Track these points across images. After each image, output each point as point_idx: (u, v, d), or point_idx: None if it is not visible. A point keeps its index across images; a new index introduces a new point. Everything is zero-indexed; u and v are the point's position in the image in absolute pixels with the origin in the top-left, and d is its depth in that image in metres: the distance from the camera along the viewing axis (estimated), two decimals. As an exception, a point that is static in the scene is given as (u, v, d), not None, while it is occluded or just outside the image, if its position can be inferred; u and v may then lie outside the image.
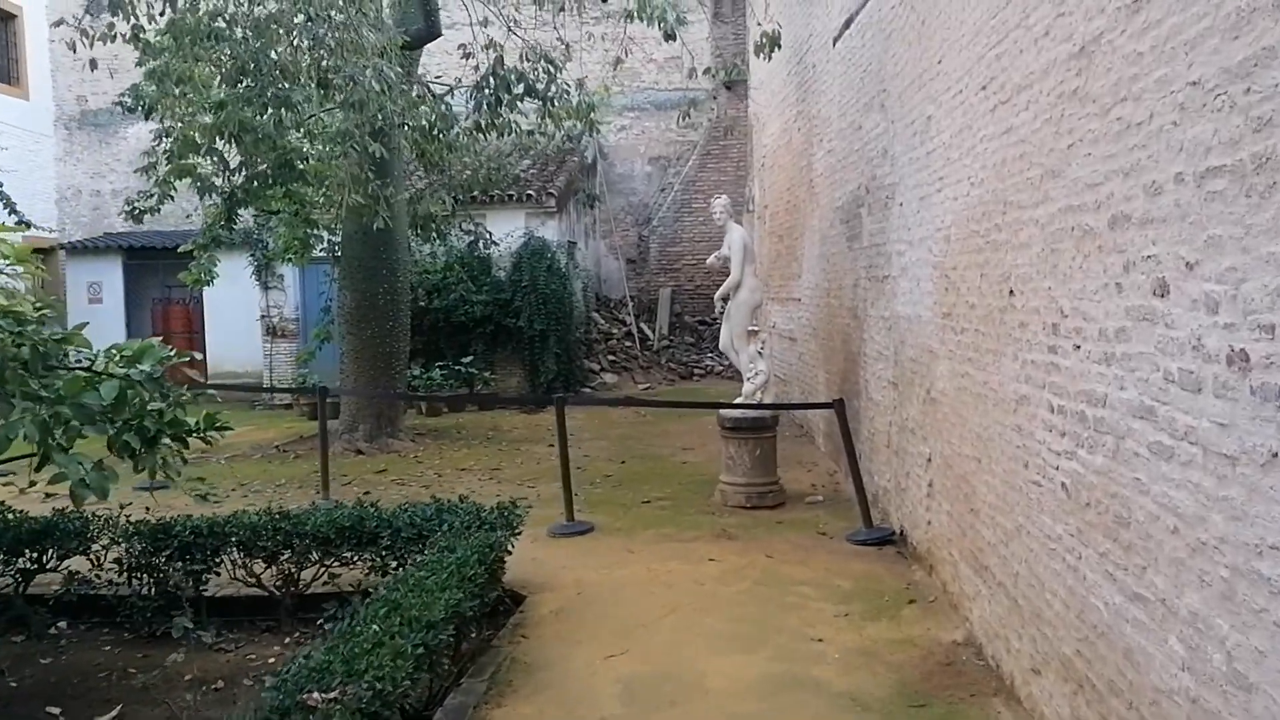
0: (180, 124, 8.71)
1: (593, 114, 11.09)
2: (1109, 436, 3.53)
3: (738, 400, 8.55)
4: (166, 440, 5.08)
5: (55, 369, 4.63)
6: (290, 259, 12.80)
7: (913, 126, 6.70)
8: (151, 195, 10.15)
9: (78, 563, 6.32)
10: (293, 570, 6.19)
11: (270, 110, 7.78)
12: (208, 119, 8.15)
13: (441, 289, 14.56)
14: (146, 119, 9.18)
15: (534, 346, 14.84)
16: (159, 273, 17.92)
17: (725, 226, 8.62)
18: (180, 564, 6.20)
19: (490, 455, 10.86)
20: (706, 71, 10.74)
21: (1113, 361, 3.50)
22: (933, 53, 6.20)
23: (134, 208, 10.37)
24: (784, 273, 12.70)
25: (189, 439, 5.46)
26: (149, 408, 4.64)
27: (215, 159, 9.08)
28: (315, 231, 11.82)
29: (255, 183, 9.51)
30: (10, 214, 16.36)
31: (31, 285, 4.93)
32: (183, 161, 9.84)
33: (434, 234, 12.28)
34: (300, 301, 16.31)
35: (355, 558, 6.14)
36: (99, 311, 17.94)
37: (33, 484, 4.57)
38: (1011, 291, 4.60)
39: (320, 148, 8.46)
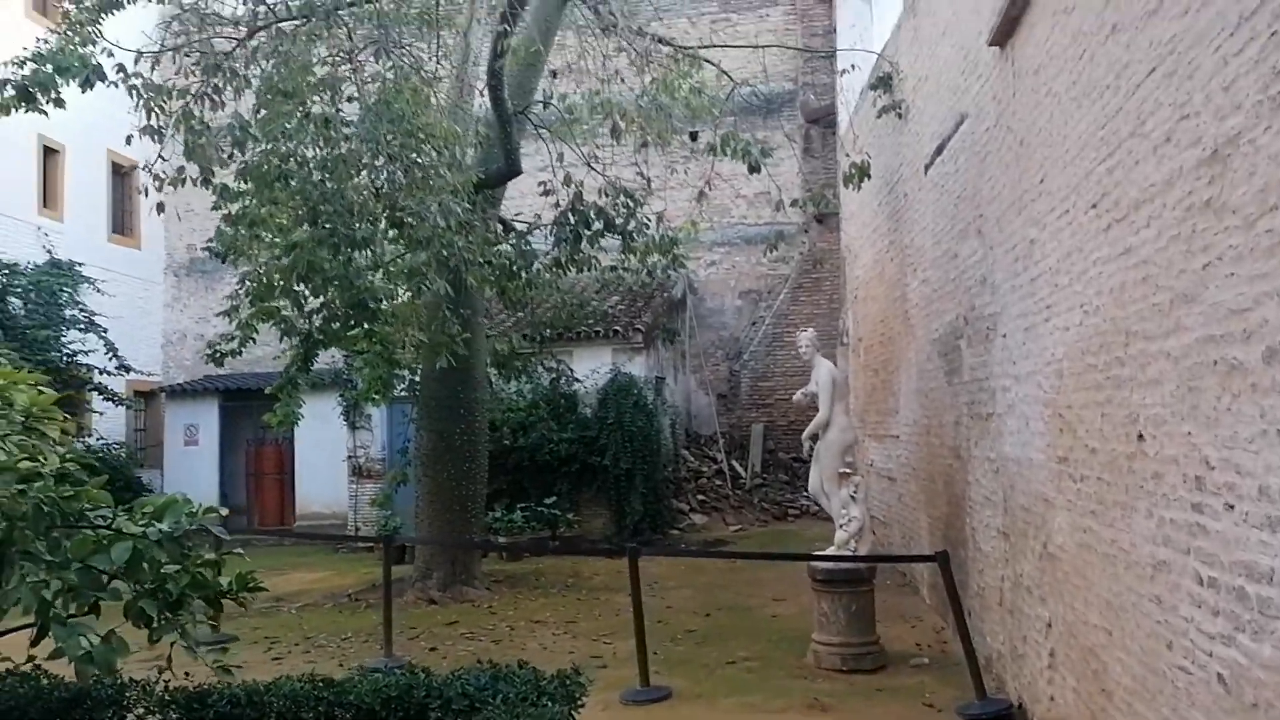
0: (261, 267, 8.69)
1: (676, 249, 10.81)
2: (1282, 623, 2.80)
3: (830, 550, 7.82)
4: (194, 603, 4.67)
5: (71, 528, 4.28)
6: (373, 399, 12.67)
7: (1013, 252, 6.14)
8: (233, 338, 10.14)
9: (114, 732, 5.87)
10: (337, 746, 5.62)
11: (340, 250, 7.68)
12: (283, 261, 8.11)
13: (526, 427, 14.24)
14: (222, 262, 9.21)
15: (620, 486, 14.31)
16: (253, 414, 18.06)
17: (812, 361, 8.09)
18: (217, 736, 5.69)
19: (568, 606, 10.24)
20: (794, 204, 10.41)
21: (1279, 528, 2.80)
22: (1033, 172, 5.69)
23: (215, 351, 10.37)
24: (880, 408, 12.03)
25: (222, 601, 5.06)
26: (164, 570, 4.21)
27: (291, 301, 9.04)
28: (397, 371, 11.67)
29: (334, 324, 9.39)
30: (111, 358, 16.89)
31: (60, 435, 4.63)
32: (263, 304, 9.82)
33: (515, 372, 12.02)
34: (387, 441, 16.19)
35: (403, 731, 5.55)
36: (194, 453, 18.19)
37: (30, 659, 4.15)
38: (1141, 436, 3.93)
39: (391, 286, 8.31)
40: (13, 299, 16.00)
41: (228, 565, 4.65)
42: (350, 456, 16.05)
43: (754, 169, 9.84)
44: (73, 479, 4.67)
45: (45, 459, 4.70)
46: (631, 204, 10.14)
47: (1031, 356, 5.74)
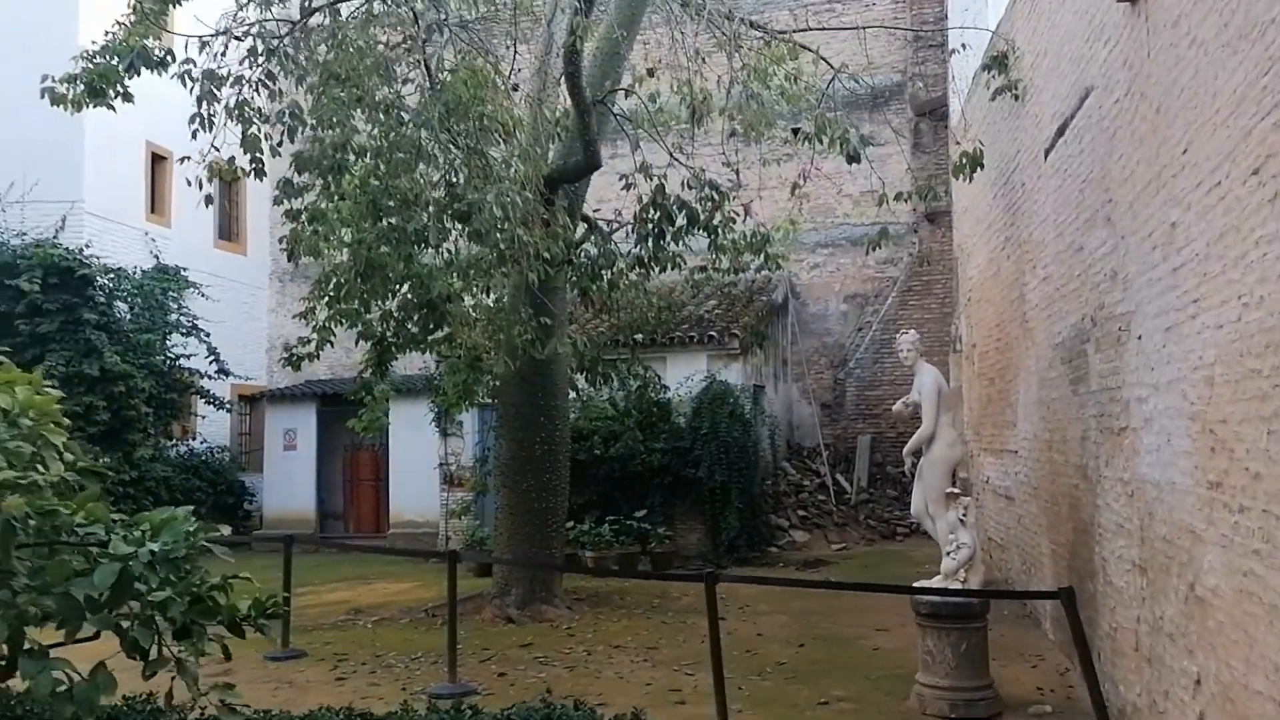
0: (329, 266, 8.34)
1: (769, 246, 10.07)
2: None
3: (935, 581, 6.98)
4: (201, 631, 4.19)
5: (57, 545, 3.84)
6: (456, 405, 12.29)
7: (1150, 239, 5.26)
8: (309, 341, 9.85)
9: (147, 764, 5.47)
10: (373, 788, 5.11)
11: (403, 247, 7.24)
12: (348, 260, 7.74)
13: (617, 436, 13.65)
14: (289, 260, 8.90)
15: (715, 500, 13.60)
16: (350, 419, 18.04)
17: (915, 367, 7.27)
18: (249, 773, 5.22)
19: (651, 629, 9.58)
20: (899, 197, 9.54)
21: None
22: (1174, 143, 4.83)
23: (292, 354, 10.10)
24: (996, 420, 11.04)
25: (241, 628, 4.58)
26: (151, 596, 3.73)
27: (359, 302, 8.67)
28: (481, 376, 11.25)
29: (408, 325, 8.97)
30: (212, 362, 17.02)
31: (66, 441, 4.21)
32: (340, 306, 9.50)
33: (600, 379, 11.45)
34: (479, 449, 15.84)
35: (444, 776, 5.00)
36: (293, 458, 18.22)
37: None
38: (1328, 461, 3.07)
39: (461, 285, 7.82)
40: (119, 303, 16.25)
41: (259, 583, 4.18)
42: (441, 464, 15.75)
43: (853, 159, 9.06)
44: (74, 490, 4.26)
45: (46, 468, 4.28)
46: (717, 197, 9.45)
47: (1174, 361, 4.86)
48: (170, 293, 17.28)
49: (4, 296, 15.16)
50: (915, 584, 7.09)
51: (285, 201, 8.02)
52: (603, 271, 9.77)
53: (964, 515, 6.90)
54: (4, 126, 15.88)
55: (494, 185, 6.63)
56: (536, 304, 9.15)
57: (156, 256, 17.48)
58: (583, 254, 9.79)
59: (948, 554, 6.91)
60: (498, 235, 6.82)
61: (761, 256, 10.30)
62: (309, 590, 12.77)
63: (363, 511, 18.23)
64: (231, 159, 7.67)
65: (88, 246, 15.92)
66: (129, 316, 16.38)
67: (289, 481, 18.07)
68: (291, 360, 10.13)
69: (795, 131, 10.00)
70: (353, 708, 5.39)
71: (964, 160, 9.43)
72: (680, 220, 9.33)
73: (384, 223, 7.15)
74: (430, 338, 10.25)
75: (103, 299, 15.83)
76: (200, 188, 7.45)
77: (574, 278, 9.87)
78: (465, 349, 10.54)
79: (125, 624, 3.97)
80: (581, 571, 10.30)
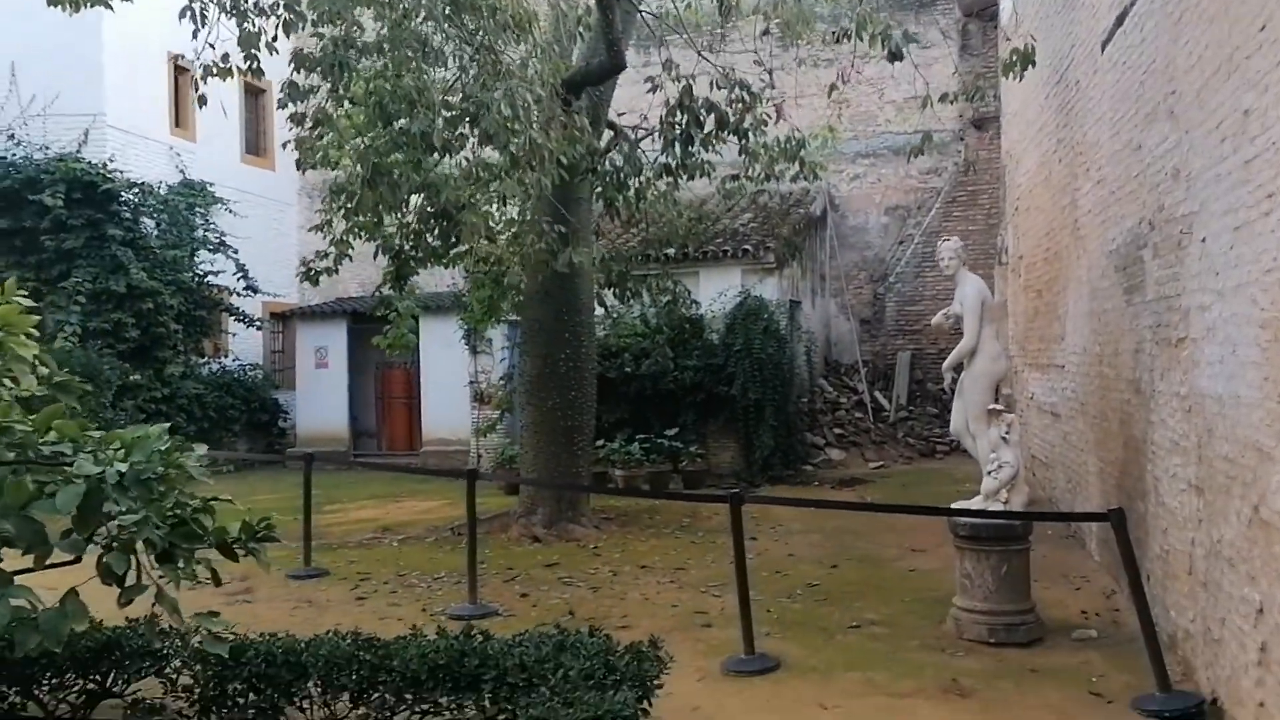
0: (341, 175, 7.95)
1: (804, 152, 9.53)
2: None
3: (975, 502, 6.62)
4: (186, 555, 3.95)
5: (20, 464, 3.58)
6: (482, 321, 12.00)
7: (1219, 130, 4.76)
8: (326, 255, 9.54)
9: (150, 686, 5.33)
10: (383, 716, 4.91)
11: (407, 150, 6.83)
12: (357, 168, 7.35)
13: (648, 353, 13.31)
14: (298, 169, 8.53)
15: (748, 418, 13.27)
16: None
17: (957, 276, 6.81)
18: (253, 696, 5.06)
19: (680, 549, 9.35)
20: (944, 99, 8.93)
21: None
22: (1249, 20, 4.31)
23: (309, 268, 9.81)
24: (1043, 334, 10.56)
25: (234, 551, 4.35)
26: (122, 519, 3.47)
27: (370, 212, 8.31)
28: (506, 292, 10.91)
29: (425, 238, 8.58)
30: (240, 279, 16.83)
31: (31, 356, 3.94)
32: (359, 218, 9.15)
33: (628, 294, 11.07)
34: (505, 366, 15.60)
35: (452, 703, 4.78)
36: (324, 376, 18.12)
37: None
38: None
39: (468, 191, 7.38)
40: (146, 219, 16.05)
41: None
42: (471, 382, 15.54)
43: (895, 57, 8.44)
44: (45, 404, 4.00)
45: (18, 383, 4.03)
46: (748, 98, 8.89)
47: (1243, 264, 4.41)
48: (197, 209, 17.03)
49: (28, 212, 15.00)
50: (954, 504, 6.73)
51: (290, 105, 7.63)
52: (629, 181, 9.31)
53: (1007, 433, 6.50)
54: (23, 38, 15.56)
55: (503, 82, 6.18)
56: (557, 214, 8.75)
57: (182, 171, 17.20)
58: (608, 163, 9.32)
59: (989, 473, 6.53)
60: (509, 136, 6.38)
61: (797, 164, 9.77)
62: (337, 508, 12.71)
63: (395, 430, 18.15)
64: (225, 56, 7.27)
65: (111, 161, 15.67)
66: (155, 233, 16.18)
67: (321, 400, 18.00)
68: (309, 275, 9.85)
69: (839, 39, 9.34)
70: (359, 631, 5.17)
71: (1014, 58, 8.79)
72: (709, 124, 8.80)
73: (393, 126, 6.74)
74: (453, 251, 9.88)
75: (128, 214, 15.62)
76: (196, 89, 7.08)
77: (598, 188, 9.43)
78: (489, 263, 10.22)
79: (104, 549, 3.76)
80: (603, 492, 10.03)
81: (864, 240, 17.54)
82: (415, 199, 7.80)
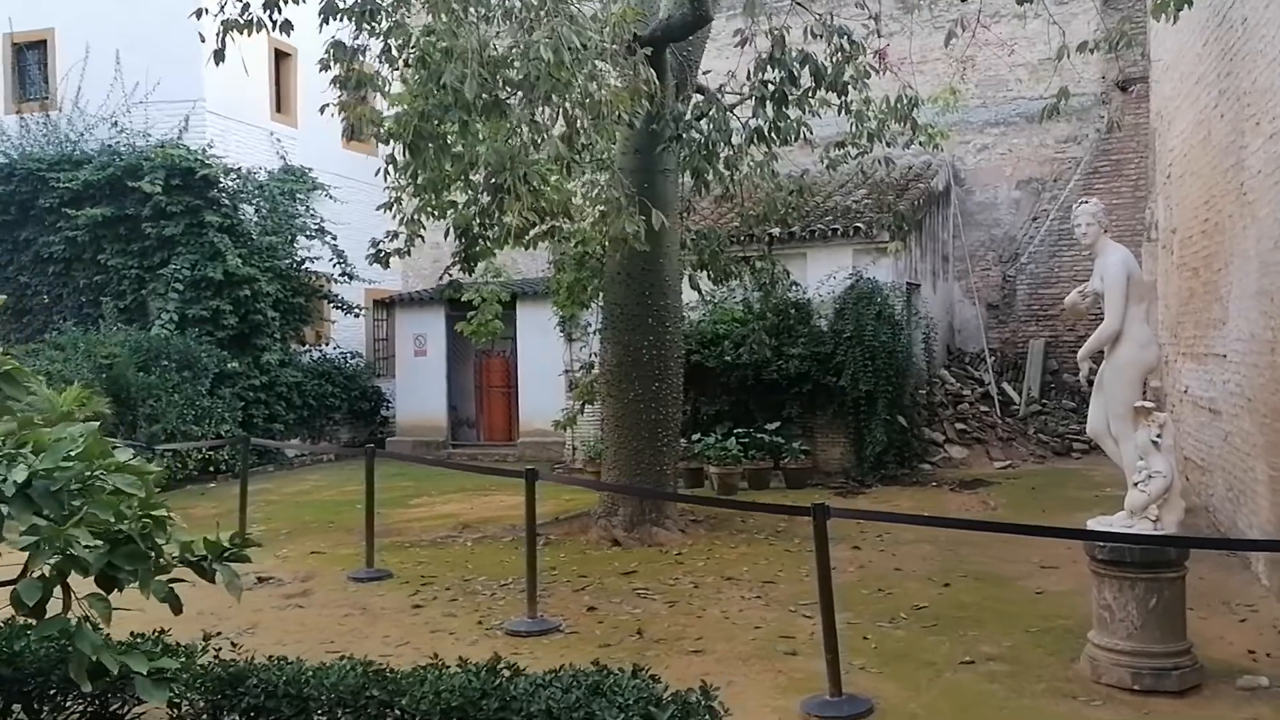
0: (395, 144, 7.27)
1: (916, 111, 8.41)
2: None
3: (1117, 519, 5.48)
4: (134, 578, 3.27)
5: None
6: (566, 306, 11.25)
7: None
8: (397, 235, 8.92)
9: (152, 709, 4.71)
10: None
11: (451, 111, 6.06)
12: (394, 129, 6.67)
13: (747, 341, 12.33)
14: (348, 138, 7.91)
15: (858, 411, 12.16)
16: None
17: (1097, 246, 5.65)
18: (253, 731, 4.40)
19: (772, 558, 8.39)
20: (1083, 48, 7.68)
21: None
22: None
23: (379, 250, 9.22)
24: (1200, 319, 9.18)
25: (208, 570, 3.66)
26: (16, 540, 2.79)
27: (429, 188, 7.63)
28: (589, 275, 10.13)
29: (499, 216, 7.78)
30: (336, 265, 16.53)
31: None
32: (427, 195, 8.49)
33: (722, 275, 10.14)
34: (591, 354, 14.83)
35: (467, 754, 4.01)
36: (423, 364, 17.73)
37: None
38: None
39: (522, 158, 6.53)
40: (245, 206, 15.90)
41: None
42: (566, 370, 14.85)
43: (1023, -1, 7.27)
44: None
45: None
46: (848, 47, 7.80)
47: None
48: (297, 195, 16.82)
49: (131, 200, 15.00)
50: (1091, 521, 5.59)
51: (334, 66, 6.98)
52: (718, 149, 8.36)
53: (1158, 436, 5.33)
54: (124, 25, 15.57)
55: (550, 22, 5.33)
56: (642, 189, 7.89)
57: (283, 157, 17.01)
58: (696, 132, 8.40)
59: (1135, 485, 5.37)
60: (552, 86, 5.50)
61: (909, 128, 8.65)
62: (423, 502, 12.20)
63: (494, 419, 17.63)
64: (246, 6, 6.67)
65: (210, 146, 15.55)
66: (255, 219, 16.02)
67: (420, 388, 17.62)
68: (379, 257, 9.26)
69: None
70: (371, 662, 4.44)
71: (1167, -4, 7.49)
72: (804, 79, 7.77)
73: (442, 88, 6.00)
74: (533, 231, 9.12)
75: (227, 201, 15.47)
76: (219, 41, 6.49)
77: (685, 156, 8.52)
78: (569, 243, 9.45)
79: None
80: (672, 498, 9.02)
81: (992, 217, 16.08)
82: (477, 172, 7.06)
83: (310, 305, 16.95)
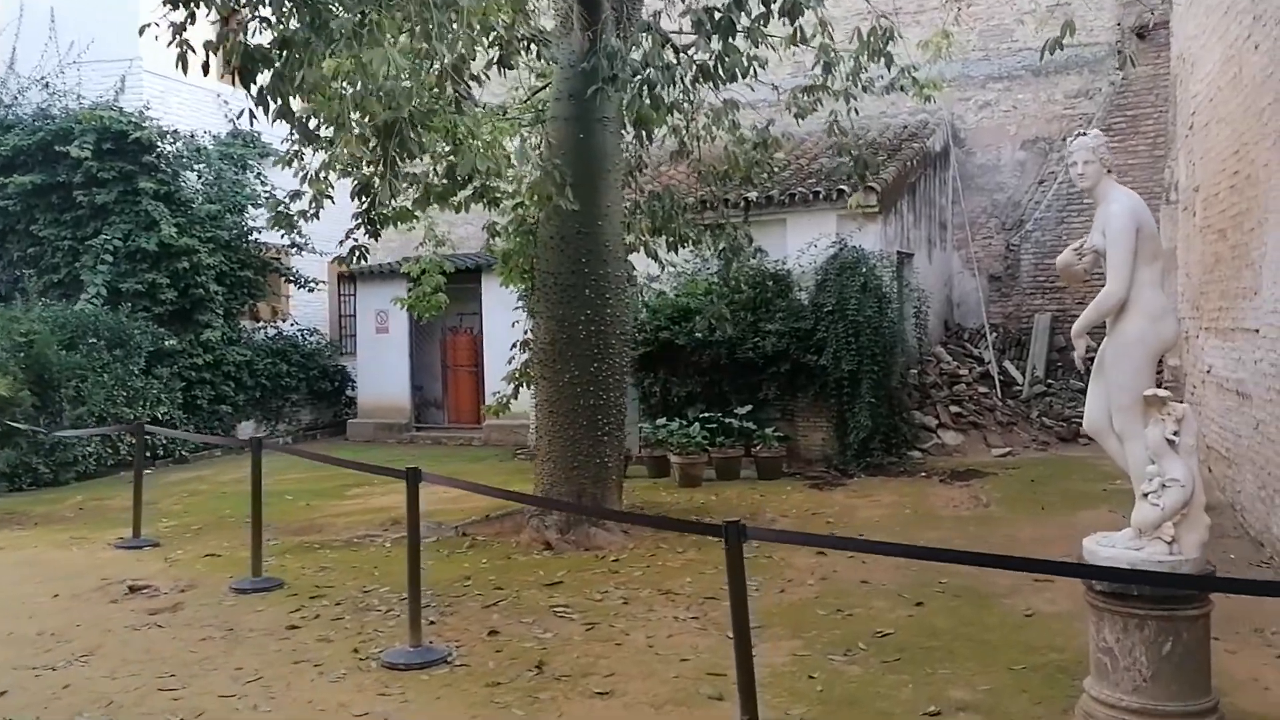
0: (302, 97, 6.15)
1: (890, 45, 7.19)
2: None
3: (1122, 538, 4.28)
4: None
5: None
6: (506, 278, 10.11)
7: None
8: (299, 195, 7.78)
9: None
10: None
11: (317, 32, 4.89)
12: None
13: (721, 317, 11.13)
14: (243, 84, 6.76)
15: (841, 393, 10.98)
16: (452, 298, 16.16)
17: (1098, 191, 4.44)
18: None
19: (720, 567, 7.13)
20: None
21: None
22: None
23: (278, 213, 8.08)
24: (1227, 288, 7.97)
25: None
26: None
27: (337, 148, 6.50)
28: (527, 241, 8.97)
29: (389, 162, 6.58)
30: (284, 236, 15.32)
31: None
32: (334, 150, 7.33)
33: (679, 243, 8.95)
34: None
35: None
36: (384, 341, 16.64)
37: None
38: None
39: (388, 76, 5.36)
40: (187, 173, 14.76)
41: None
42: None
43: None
44: None
45: None
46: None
47: None
48: (249, 162, 15.66)
49: (63, 167, 13.88)
50: (1090, 540, 4.40)
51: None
52: (658, 90, 7.14)
53: (1175, 433, 4.13)
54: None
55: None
56: (576, 141, 6.72)
57: (232, 121, 15.82)
58: (633, 70, 7.19)
59: (1146, 496, 4.17)
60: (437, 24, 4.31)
61: (886, 65, 7.42)
62: (362, 493, 11.10)
63: (461, 400, 16.49)
64: None
65: (147, 108, 14.39)
66: (198, 188, 14.88)
67: (382, 368, 16.51)
68: (279, 221, 8.12)
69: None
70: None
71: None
72: (754, 5, 6.54)
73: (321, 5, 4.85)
74: (462, 193, 7.90)
75: (165, 167, 14.32)
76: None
77: (626, 102, 7.32)
78: (499, 204, 8.27)
79: None
80: (589, 514, 7.73)
81: (994, 181, 14.78)
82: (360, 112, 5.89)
83: (261, 279, 15.82)
